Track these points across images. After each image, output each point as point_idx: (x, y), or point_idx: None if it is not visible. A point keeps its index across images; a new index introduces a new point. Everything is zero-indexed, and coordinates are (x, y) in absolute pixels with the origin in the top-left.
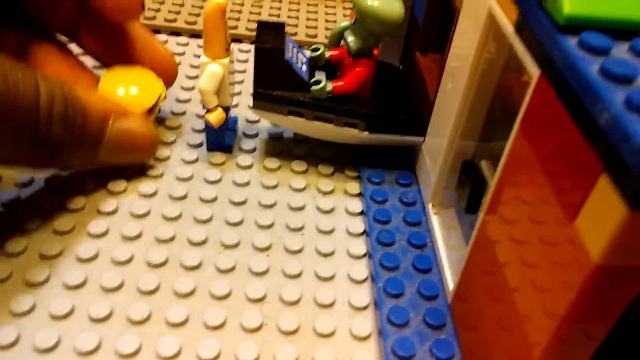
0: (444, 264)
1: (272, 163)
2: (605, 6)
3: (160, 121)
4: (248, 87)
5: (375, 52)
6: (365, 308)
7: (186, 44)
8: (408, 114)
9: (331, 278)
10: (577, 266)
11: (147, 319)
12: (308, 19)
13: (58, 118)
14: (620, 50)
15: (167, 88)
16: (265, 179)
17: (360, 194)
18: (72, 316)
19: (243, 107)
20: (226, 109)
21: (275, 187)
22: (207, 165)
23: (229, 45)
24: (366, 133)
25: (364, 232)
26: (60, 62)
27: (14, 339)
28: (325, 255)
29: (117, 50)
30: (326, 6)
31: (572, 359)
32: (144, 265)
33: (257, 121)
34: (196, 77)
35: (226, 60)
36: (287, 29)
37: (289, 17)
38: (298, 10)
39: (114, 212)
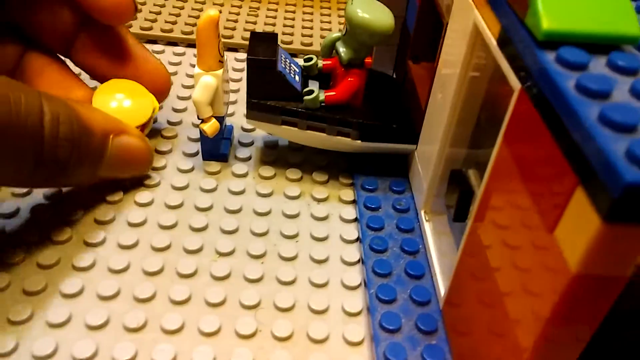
0: (435, 270)
1: (267, 171)
2: (584, 21)
3: (156, 130)
4: (244, 95)
5: (369, 60)
6: (358, 314)
7: (182, 54)
8: (400, 122)
9: (325, 284)
10: (557, 275)
11: (143, 326)
12: (304, 27)
13: (64, 139)
14: (598, 65)
15: (161, 101)
16: (260, 187)
17: (354, 201)
18: (69, 324)
19: (239, 116)
20: (220, 119)
21: (270, 195)
22: (202, 174)
23: (223, 56)
24: (359, 141)
25: (357, 239)
26: (56, 75)
27: (12, 347)
28: (319, 262)
29: (110, 65)
30: (321, 14)
31: None
32: (140, 274)
33: (253, 130)
34: (192, 87)
35: (220, 71)
36: (283, 38)
37: (284, 25)
38: (294, 19)
39: (110, 221)
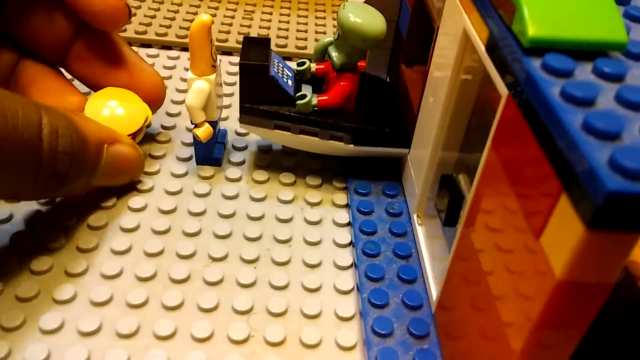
0: (428, 274)
1: (261, 175)
2: (570, 28)
3: (149, 135)
4: (238, 99)
5: (363, 64)
6: (350, 318)
7: (177, 58)
8: (393, 126)
9: (318, 289)
10: (543, 280)
11: (136, 332)
12: (298, 31)
13: (63, 152)
14: (584, 72)
15: (155, 110)
16: (254, 191)
17: (347, 205)
18: (62, 330)
19: (233, 120)
20: (214, 124)
21: (263, 199)
22: (196, 178)
23: (216, 60)
24: (352, 146)
25: (350, 243)
26: (50, 82)
27: (5, 354)
28: (312, 266)
29: (106, 73)
30: (316, 17)
31: None
32: (133, 279)
33: (247, 134)
34: (186, 91)
35: (212, 76)
36: (277, 41)
37: (279, 29)
38: (288, 22)
39: (103, 226)
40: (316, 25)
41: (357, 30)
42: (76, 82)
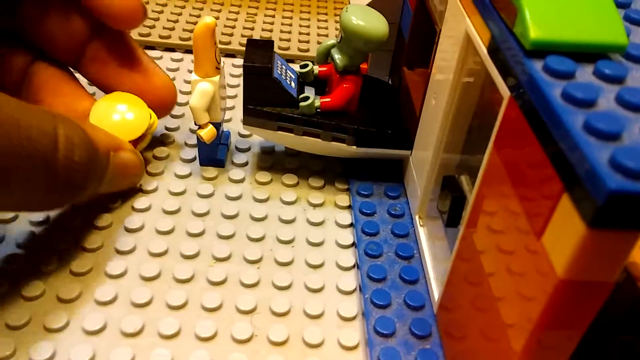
0: (430, 275)
1: (264, 177)
2: (571, 30)
3: (153, 136)
4: (241, 101)
5: (365, 66)
6: (353, 319)
7: (180, 60)
8: (395, 128)
9: (320, 289)
10: (545, 279)
11: (140, 331)
12: (300, 33)
13: (79, 162)
14: (585, 73)
15: (164, 115)
16: (257, 192)
17: (349, 207)
18: (67, 329)
19: (236, 121)
20: (217, 125)
21: (266, 200)
22: (199, 179)
23: (219, 62)
24: (354, 147)
25: (353, 244)
26: (62, 85)
27: (11, 352)
28: (315, 267)
29: (119, 76)
30: (318, 20)
31: None
32: (137, 279)
33: (250, 135)
34: (189, 93)
35: (216, 78)
36: (280, 44)
37: (281, 31)
38: (291, 25)
39: (108, 226)
40: (318, 27)
41: (360, 32)
42: (88, 86)
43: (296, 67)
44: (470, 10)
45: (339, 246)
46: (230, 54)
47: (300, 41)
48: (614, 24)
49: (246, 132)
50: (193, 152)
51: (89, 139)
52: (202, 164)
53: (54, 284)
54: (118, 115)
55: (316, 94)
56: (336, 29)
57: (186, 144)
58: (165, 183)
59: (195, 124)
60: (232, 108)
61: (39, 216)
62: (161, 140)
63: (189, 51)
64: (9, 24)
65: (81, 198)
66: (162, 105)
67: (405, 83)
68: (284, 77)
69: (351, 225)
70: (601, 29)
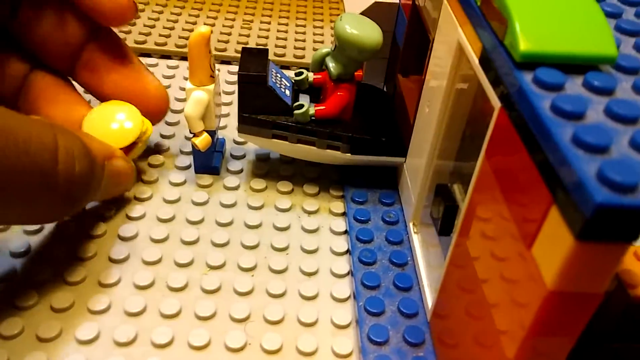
0: (423, 282)
1: (259, 184)
2: (561, 42)
3: (148, 144)
4: (236, 108)
5: (360, 73)
6: (347, 326)
7: (176, 67)
8: (390, 135)
9: (314, 297)
10: (534, 290)
11: (133, 340)
12: (296, 40)
13: (80, 175)
14: (574, 85)
15: (157, 122)
16: (252, 199)
17: (344, 214)
18: (60, 338)
19: (231, 129)
20: (212, 133)
21: (261, 207)
22: (194, 187)
23: (214, 71)
24: (349, 154)
25: (347, 252)
26: (60, 93)
27: None
28: (309, 274)
29: (112, 83)
30: (314, 26)
31: None
32: (131, 287)
33: (245, 142)
34: (185, 100)
35: (211, 86)
36: (276, 50)
37: (277, 38)
38: (286, 32)
39: (102, 235)
40: (314, 34)
41: (354, 41)
42: (85, 94)
43: (291, 74)
44: (462, 20)
45: (333, 253)
46: (226, 61)
47: (296, 48)
48: (603, 35)
49: (241, 140)
50: (188, 160)
51: (88, 150)
52: (197, 171)
53: (47, 293)
54: (110, 123)
55: (311, 101)
56: (332, 36)
57: (181, 152)
58: (160, 191)
59: (190, 132)
60: (227, 115)
61: (33, 225)
62: (156, 148)
63: (184, 58)
64: (7, 28)
65: (79, 209)
66: (155, 112)
67: (400, 90)
68: (278, 85)
69: (346, 232)
70: (591, 40)
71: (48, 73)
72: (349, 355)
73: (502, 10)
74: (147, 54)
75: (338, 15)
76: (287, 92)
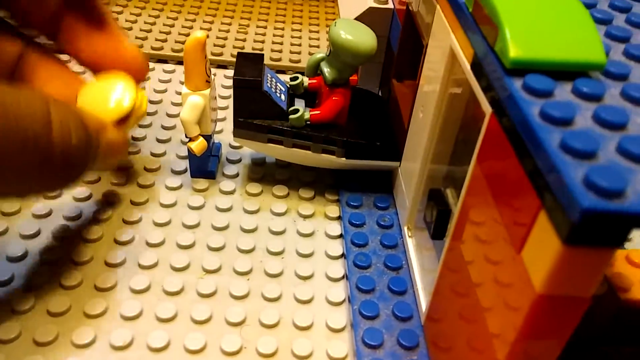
0: (418, 286)
1: (254, 188)
2: (551, 49)
3: (145, 148)
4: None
5: (355, 78)
6: (342, 330)
7: (172, 71)
8: (384, 140)
9: (309, 301)
10: (523, 293)
11: (130, 344)
12: (292, 45)
13: (77, 146)
14: (564, 92)
15: (140, 81)
16: (247, 204)
17: (339, 218)
18: (56, 342)
19: (227, 133)
20: (208, 137)
21: (256, 211)
22: (190, 191)
23: (210, 76)
24: (343, 159)
25: (342, 255)
26: (54, 70)
27: None
28: (305, 278)
29: (93, 47)
30: (310, 31)
31: None
32: (127, 292)
33: (241, 147)
34: (181, 105)
35: (207, 91)
36: (272, 55)
37: (273, 42)
38: (282, 36)
39: (98, 239)
40: (310, 39)
41: (348, 47)
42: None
43: (287, 78)
44: (455, 26)
45: (328, 257)
46: (222, 65)
47: (291, 52)
48: (593, 42)
49: (237, 144)
50: (184, 164)
51: (83, 120)
52: (193, 175)
53: (44, 297)
54: (104, 96)
55: (306, 106)
56: (327, 40)
57: (177, 156)
58: (156, 195)
59: (186, 136)
60: (223, 119)
61: (29, 229)
62: (152, 151)
63: (181, 63)
64: None
65: (78, 179)
66: (134, 72)
67: (395, 95)
68: (273, 90)
69: (341, 236)
70: (580, 47)
71: (41, 52)
72: (344, 358)
73: (492, 17)
74: None
75: (333, 20)
76: (283, 96)
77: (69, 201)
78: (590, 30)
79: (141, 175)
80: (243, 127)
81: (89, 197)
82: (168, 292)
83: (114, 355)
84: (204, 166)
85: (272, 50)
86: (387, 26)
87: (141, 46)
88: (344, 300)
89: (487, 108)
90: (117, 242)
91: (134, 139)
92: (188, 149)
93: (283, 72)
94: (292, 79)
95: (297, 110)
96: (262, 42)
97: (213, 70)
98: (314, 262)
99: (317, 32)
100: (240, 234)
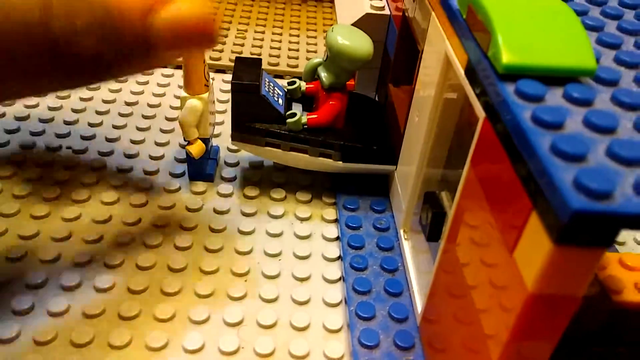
0: (414, 288)
1: (252, 191)
2: (542, 55)
3: (143, 152)
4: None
5: (352, 82)
6: (338, 331)
7: (171, 75)
8: (381, 143)
9: (306, 302)
10: (517, 292)
11: (128, 344)
12: (290, 50)
13: (85, 35)
14: (555, 97)
15: None
16: (245, 206)
17: (336, 220)
18: (55, 342)
19: (225, 136)
20: (206, 140)
21: (254, 214)
22: (188, 194)
23: (208, 80)
24: (340, 162)
25: (339, 257)
26: None
27: None
28: (302, 280)
29: None
30: (308, 36)
31: None
32: (125, 292)
33: (239, 150)
34: (179, 109)
35: (205, 95)
36: (270, 60)
37: (271, 47)
38: (280, 41)
39: (98, 240)
40: (307, 44)
41: (345, 52)
42: None
43: (284, 83)
44: (449, 32)
45: (325, 259)
46: (221, 70)
47: (289, 57)
48: (583, 49)
49: (235, 148)
50: (182, 167)
51: (94, 2)
52: (191, 178)
53: (43, 298)
54: None
55: (303, 110)
56: (324, 46)
57: (175, 159)
58: (154, 197)
59: (185, 140)
60: (221, 123)
61: (28, 231)
62: (150, 154)
63: (179, 67)
64: None
65: (126, 70)
66: None
67: (391, 100)
68: (271, 94)
69: (337, 239)
70: (571, 53)
71: None
72: (341, 358)
73: (485, 23)
74: None
75: (331, 26)
76: (280, 101)
77: (69, 201)
78: (581, 37)
79: (140, 178)
80: (241, 130)
81: (87, 199)
82: (166, 293)
83: (113, 355)
84: (202, 169)
85: (270, 55)
86: (383, 32)
87: None
88: (340, 302)
89: (480, 112)
90: (116, 243)
91: (132, 141)
92: (186, 152)
93: (281, 76)
94: (289, 83)
95: (294, 114)
96: (260, 47)
97: (211, 74)
98: (311, 264)
99: (315, 37)
100: (238, 236)
